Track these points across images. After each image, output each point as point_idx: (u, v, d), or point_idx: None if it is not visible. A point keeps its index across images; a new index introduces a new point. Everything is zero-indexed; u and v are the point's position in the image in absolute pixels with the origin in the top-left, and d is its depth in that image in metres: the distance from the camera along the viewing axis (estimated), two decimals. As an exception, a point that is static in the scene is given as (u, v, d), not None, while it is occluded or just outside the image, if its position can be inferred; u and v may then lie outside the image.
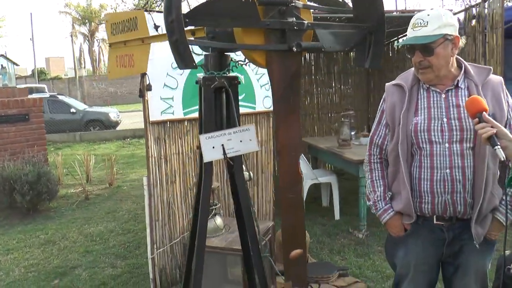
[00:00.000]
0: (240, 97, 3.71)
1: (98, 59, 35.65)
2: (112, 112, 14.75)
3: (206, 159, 1.48)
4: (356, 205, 5.22)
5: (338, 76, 7.27)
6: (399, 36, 6.64)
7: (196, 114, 3.56)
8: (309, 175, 5.21)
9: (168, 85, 3.42)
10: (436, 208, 2.00)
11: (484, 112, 1.74)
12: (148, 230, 3.49)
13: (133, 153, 10.71)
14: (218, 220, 3.27)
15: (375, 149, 2.22)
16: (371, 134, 2.26)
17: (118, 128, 14.46)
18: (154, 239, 3.47)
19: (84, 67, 34.66)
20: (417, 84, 2.10)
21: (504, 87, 2.07)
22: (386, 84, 2.21)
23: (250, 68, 3.78)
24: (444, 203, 1.97)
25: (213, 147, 1.51)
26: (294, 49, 1.26)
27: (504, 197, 2.02)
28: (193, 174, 3.61)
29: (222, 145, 1.51)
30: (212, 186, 3.28)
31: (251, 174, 1.51)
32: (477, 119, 1.75)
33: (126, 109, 21.53)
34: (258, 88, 3.84)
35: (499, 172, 1.92)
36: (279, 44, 1.27)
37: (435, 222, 2.02)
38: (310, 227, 4.88)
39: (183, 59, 1.15)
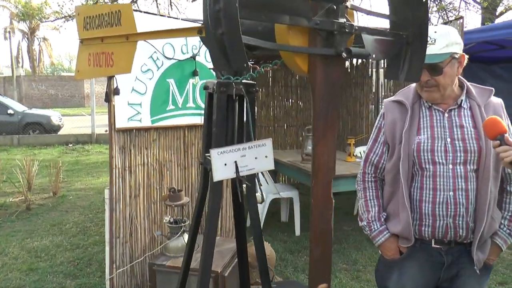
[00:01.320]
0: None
1: (39, 59, 33.74)
2: (54, 116, 13.86)
3: (216, 177, 1.26)
4: (318, 220, 5.16)
5: (295, 90, 7.22)
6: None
7: (163, 123, 3.32)
8: (271, 189, 5.04)
9: (137, 90, 3.16)
10: (436, 232, 1.90)
11: (505, 134, 1.66)
12: (107, 248, 3.15)
13: (77, 159, 10.06)
14: (187, 239, 3.01)
15: (370, 168, 2.11)
16: (366, 151, 2.16)
17: (60, 132, 13.61)
18: (113, 257, 3.13)
19: (22, 66, 32.69)
20: (418, 101, 2.02)
21: (504, 109, 2.03)
22: (385, 100, 2.13)
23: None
24: (445, 227, 1.88)
25: (225, 164, 1.29)
26: (344, 54, 1.07)
27: (502, 221, 1.97)
28: (157, 187, 3.33)
29: (235, 162, 1.28)
30: (182, 201, 3.03)
31: (264, 196, 1.31)
32: (498, 141, 1.66)
33: (68, 113, 20.45)
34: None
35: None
36: (325, 48, 1.08)
37: (433, 245, 1.93)
38: (271, 244, 4.72)
39: (229, 56, 0.90)
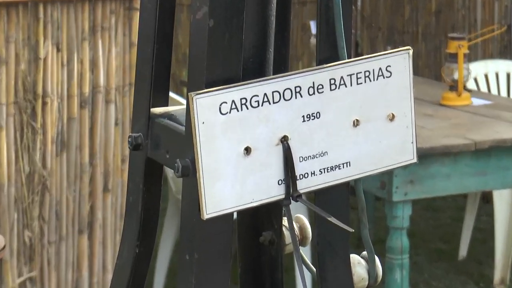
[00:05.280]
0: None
1: None
2: None
3: (213, 207, 0.82)
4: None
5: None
6: None
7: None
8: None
9: None
10: None
11: None
12: None
13: None
14: None
15: None
16: None
17: None
18: None
19: None
20: None
21: None
22: None
23: None
24: None
25: (246, 152, 0.83)
26: None
27: None
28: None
29: (284, 139, 0.84)
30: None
31: (379, 270, 0.96)
32: None
33: None
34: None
35: None
36: None
37: None
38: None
39: None
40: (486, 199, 4.44)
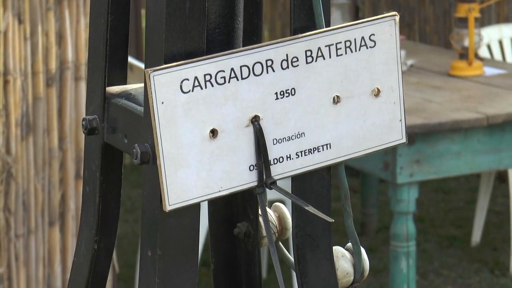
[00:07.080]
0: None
1: None
2: None
3: (171, 203, 0.82)
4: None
5: None
6: None
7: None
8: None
9: None
10: None
11: None
12: None
13: None
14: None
15: None
16: None
17: None
18: None
19: None
20: None
21: None
22: None
23: None
24: None
25: (212, 134, 0.84)
26: None
27: None
28: None
29: (255, 120, 0.85)
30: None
31: (366, 263, 0.97)
32: None
33: None
34: None
35: None
36: None
37: None
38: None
39: None
40: (502, 178, 4.42)
